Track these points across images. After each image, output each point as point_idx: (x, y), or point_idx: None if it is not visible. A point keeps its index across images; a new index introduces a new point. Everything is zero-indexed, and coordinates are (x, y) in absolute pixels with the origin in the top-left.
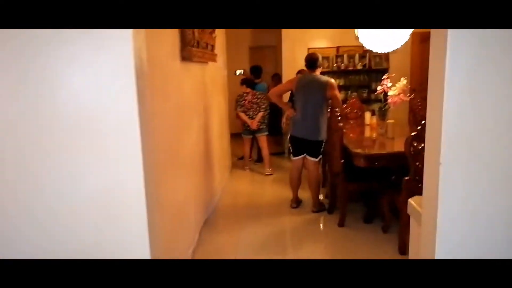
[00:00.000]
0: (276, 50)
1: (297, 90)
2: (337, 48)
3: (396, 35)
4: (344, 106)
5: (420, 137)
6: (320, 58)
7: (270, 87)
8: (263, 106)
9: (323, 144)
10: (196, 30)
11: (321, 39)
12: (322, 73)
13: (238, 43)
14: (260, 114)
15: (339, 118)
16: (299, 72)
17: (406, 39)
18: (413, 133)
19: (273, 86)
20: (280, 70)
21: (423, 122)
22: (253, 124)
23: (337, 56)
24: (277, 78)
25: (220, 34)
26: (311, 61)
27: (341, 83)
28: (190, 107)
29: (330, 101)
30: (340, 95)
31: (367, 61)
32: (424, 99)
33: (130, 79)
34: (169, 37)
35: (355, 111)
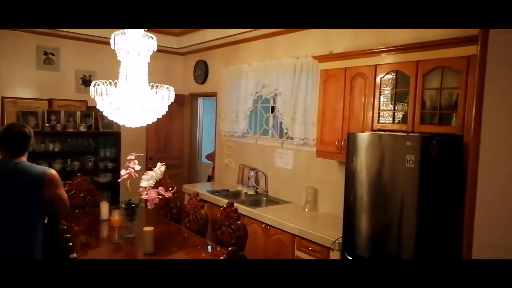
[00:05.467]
0: None
1: None
2: (50, 100)
3: (155, 108)
4: (66, 189)
5: None
6: (32, 136)
7: None
8: None
9: None
10: None
11: (25, 87)
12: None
13: None
14: None
15: (70, 244)
16: None
17: (164, 113)
18: None
19: None
20: None
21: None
22: None
23: (49, 112)
24: None
25: None
26: (16, 139)
27: (56, 149)
28: None
29: (50, 205)
30: (66, 194)
31: (92, 121)
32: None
33: None
34: None
35: (82, 194)
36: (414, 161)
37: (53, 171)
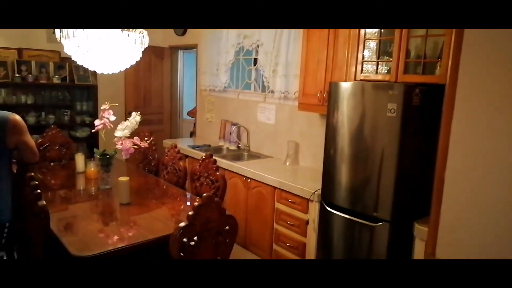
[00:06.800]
0: None
1: None
2: (20, 50)
3: (127, 53)
4: (40, 141)
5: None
6: None
7: None
8: None
9: (6, 230)
10: None
11: None
12: None
13: None
14: None
15: (38, 190)
16: None
17: (138, 58)
18: (182, 225)
19: None
20: None
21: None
22: None
23: (20, 63)
24: None
25: None
26: None
27: (29, 101)
28: None
29: (15, 152)
30: (33, 142)
31: (67, 73)
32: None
33: None
34: None
35: (57, 147)
36: (395, 110)
37: (16, 116)
